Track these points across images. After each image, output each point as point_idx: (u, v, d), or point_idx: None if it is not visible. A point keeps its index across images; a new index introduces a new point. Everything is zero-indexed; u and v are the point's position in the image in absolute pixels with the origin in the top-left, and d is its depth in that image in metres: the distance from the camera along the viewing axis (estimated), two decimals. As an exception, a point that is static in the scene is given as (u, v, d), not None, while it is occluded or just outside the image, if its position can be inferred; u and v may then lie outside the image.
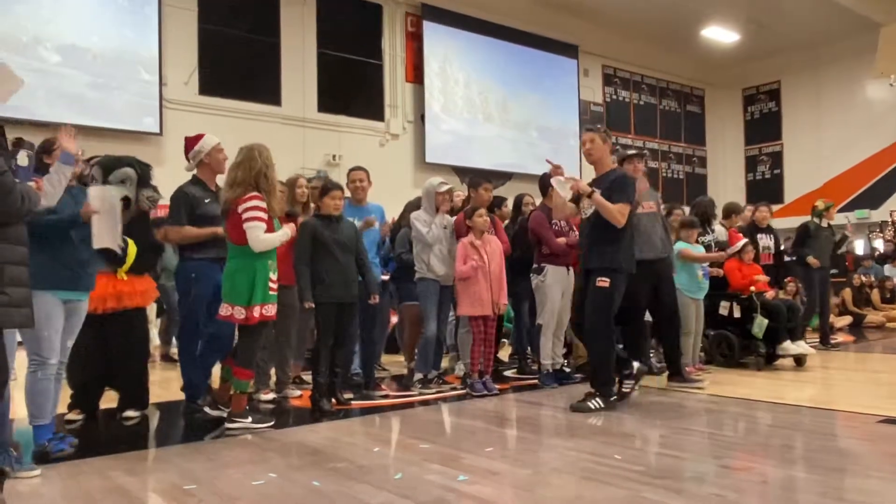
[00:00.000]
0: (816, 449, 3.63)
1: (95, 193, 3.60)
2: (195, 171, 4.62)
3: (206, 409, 4.46)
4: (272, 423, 4.26)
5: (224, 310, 4.10)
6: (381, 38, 12.26)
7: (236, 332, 4.36)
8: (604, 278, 4.52)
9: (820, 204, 8.20)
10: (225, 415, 4.30)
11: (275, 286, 4.25)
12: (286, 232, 4.29)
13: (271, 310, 4.21)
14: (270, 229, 4.16)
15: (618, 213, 4.48)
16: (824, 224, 8.08)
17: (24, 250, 2.39)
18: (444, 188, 5.57)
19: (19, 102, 7.95)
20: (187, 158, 4.64)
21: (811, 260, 7.77)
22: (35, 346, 3.43)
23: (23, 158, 2.74)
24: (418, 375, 5.51)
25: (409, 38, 12.54)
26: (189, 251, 4.48)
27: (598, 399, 4.57)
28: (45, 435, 3.52)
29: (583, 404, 4.58)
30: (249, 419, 4.20)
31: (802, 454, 3.57)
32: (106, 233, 3.60)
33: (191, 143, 4.68)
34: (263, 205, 4.12)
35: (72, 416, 4.38)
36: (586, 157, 4.87)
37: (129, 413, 4.50)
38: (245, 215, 4.09)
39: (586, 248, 4.72)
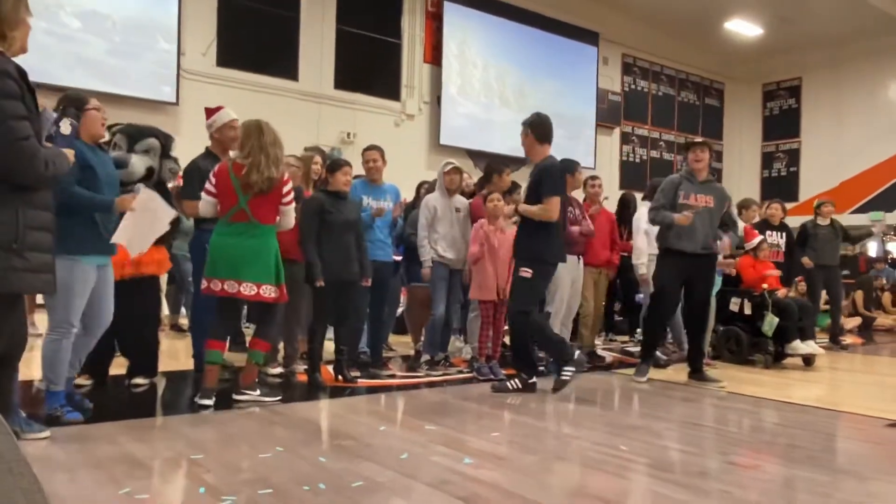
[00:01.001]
0: (822, 449, 3.63)
1: (145, 197, 3.52)
2: (209, 144, 4.64)
3: (234, 397, 4.30)
4: (280, 397, 4.28)
5: (248, 289, 4.03)
6: (400, 17, 12.17)
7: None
8: (526, 269, 4.72)
9: (816, 202, 8.26)
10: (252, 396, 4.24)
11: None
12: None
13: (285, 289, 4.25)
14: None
15: (543, 211, 4.63)
16: (825, 222, 8.03)
17: (49, 216, 2.38)
18: (449, 167, 5.57)
19: (39, 66, 7.94)
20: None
21: (804, 261, 7.76)
22: (64, 312, 3.41)
23: (66, 127, 2.70)
24: (425, 357, 5.53)
25: (429, 17, 12.45)
26: (205, 222, 4.49)
27: (516, 380, 4.80)
28: (58, 400, 3.54)
29: (503, 384, 4.81)
30: (258, 392, 4.23)
31: (808, 454, 3.56)
32: (130, 233, 3.49)
33: (209, 114, 4.68)
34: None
35: (81, 380, 4.41)
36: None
37: (138, 380, 4.53)
38: (287, 198, 4.14)
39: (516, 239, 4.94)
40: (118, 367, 4.67)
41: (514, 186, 6.48)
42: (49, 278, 2.36)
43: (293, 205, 4.20)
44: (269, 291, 4.07)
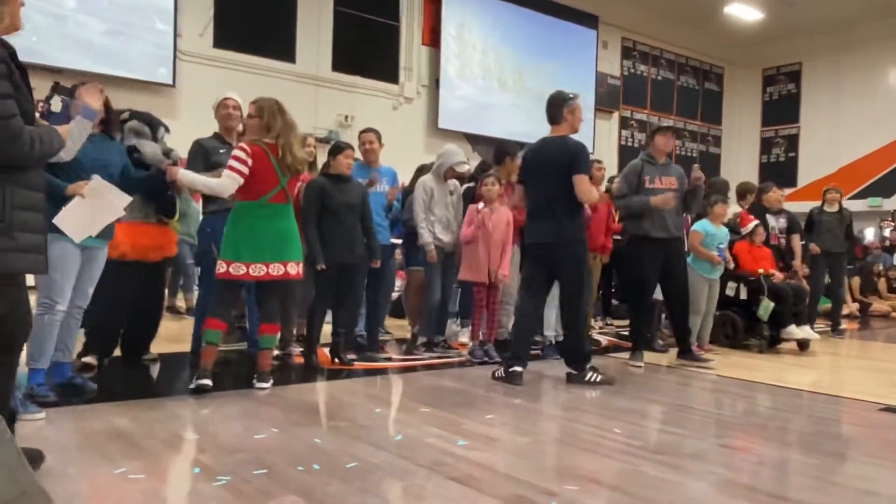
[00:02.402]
0: (815, 433, 3.65)
1: (96, 185, 3.45)
2: (205, 125, 4.70)
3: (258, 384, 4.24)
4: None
5: (293, 268, 4.10)
6: (399, -1, 12.08)
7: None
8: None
9: (824, 188, 8.29)
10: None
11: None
12: None
13: None
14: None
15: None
16: (832, 209, 8.01)
17: (39, 196, 2.36)
18: (463, 168, 5.56)
19: (34, 47, 7.89)
20: None
21: (811, 247, 7.77)
22: (45, 289, 3.45)
23: (56, 104, 2.70)
24: (422, 339, 5.55)
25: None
26: (213, 206, 4.55)
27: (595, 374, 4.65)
28: (36, 378, 3.55)
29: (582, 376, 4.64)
30: (271, 381, 4.19)
31: (801, 437, 3.59)
32: (75, 218, 3.38)
33: None
34: None
35: (90, 359, 4.43)
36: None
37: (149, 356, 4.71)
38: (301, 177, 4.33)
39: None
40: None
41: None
42: (39, 259, 2.34)
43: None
44: (301, 269, 4.19)
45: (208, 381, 3.94)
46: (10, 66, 2.23)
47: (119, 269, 4.10)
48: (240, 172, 3.92)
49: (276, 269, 4.04)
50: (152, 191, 4.28)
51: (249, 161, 3.93)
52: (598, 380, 4.56)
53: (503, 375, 4.58)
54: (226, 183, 3.94)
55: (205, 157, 4.55)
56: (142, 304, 4.53)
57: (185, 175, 3.98)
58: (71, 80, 7.97)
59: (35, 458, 2.50)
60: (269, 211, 4.03)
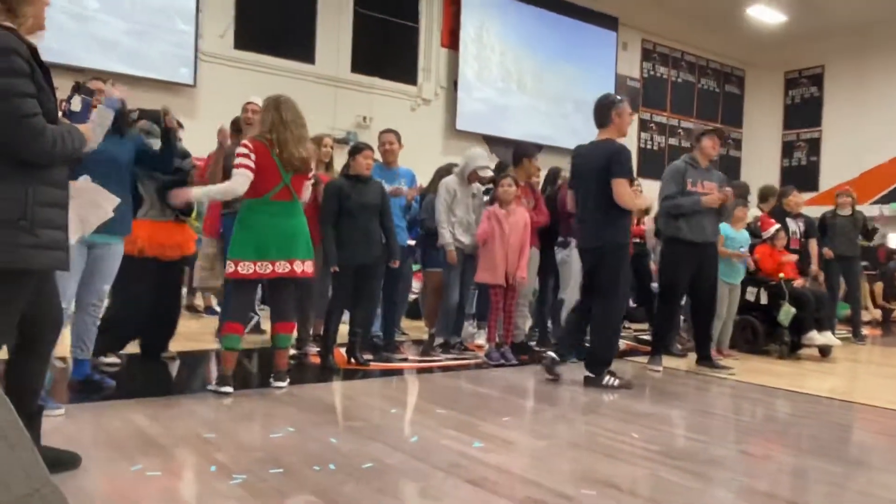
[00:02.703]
0: (835, 440, 3.59)
1: (80, 185, 3.45)
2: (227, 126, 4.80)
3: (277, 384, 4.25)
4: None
5: (299, 266, 4.07)
6: (418, 1, 12.09)
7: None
8: None
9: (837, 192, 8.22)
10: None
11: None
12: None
13: None
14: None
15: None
16: (845, 213, 7.92)
17: (62, 193, 2.38)
18: (486, 173, 5.54)
19: (58, 46, 7.98)
20: None
21: (824, 251, 7.69)
22: None
23: (76, 103, 2.72)
24: (439, 340, 5.54)
25: (446, 1, 12.35)
26: (229, 205, 4.59)
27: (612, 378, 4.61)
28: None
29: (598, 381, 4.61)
30: (288, 381, 4.20)
31: (821, 444, 3.53)
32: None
33: None
34: None
35: (113, 359, 4.47)
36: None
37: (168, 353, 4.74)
38: (311, 173, 4.22)
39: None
40: (132, 346, 4.74)
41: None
42: (61, 255, 2.36)
43: (312, 180, 4.31)
44: (311, 267, 4.16)
45: (229, 388, 3.91)
46: (32, 65, 2.25)
47: (134, 265, 4.13)
48: (247, 167, 3.93)
49: (281, 267, 4.01)
50: (169, 189, 4.32)
51: (252, 155, 3.95)
52: (615, 384, 4.52)
53: (592, 378, 4.60)
54: (238, 181, 3.93)
55: (225, 160, 4.63)
56: (159, 303, 4.57)
57: (197, 193, 4.03)
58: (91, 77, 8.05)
59: (70, 460, 2.52)
60: (274, 209, 4.01)
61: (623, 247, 4.61)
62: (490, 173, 5.63)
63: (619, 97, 4.77)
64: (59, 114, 2.52)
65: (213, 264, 5.14)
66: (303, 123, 4.10)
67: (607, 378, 4.54)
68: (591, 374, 4.61)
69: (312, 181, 4.34)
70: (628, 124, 4.76)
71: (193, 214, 4.78)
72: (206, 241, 5.26)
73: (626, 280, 4.69)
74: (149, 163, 3.98)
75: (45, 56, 2.41)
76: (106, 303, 3.96)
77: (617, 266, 4.56)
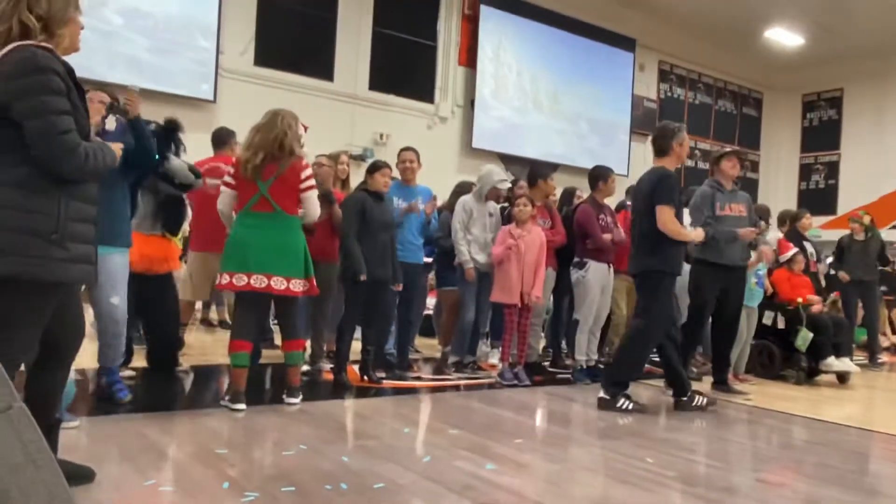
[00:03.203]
0: (853, 469, 3.54)
1: None
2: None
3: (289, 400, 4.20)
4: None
5: (279, 283, 3.92)
6: (437, 20, 12.19)
7: None
8: None
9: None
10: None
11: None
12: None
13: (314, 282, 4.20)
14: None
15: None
16: (860, 237, 7.86)
17: (92, 208, 2.45)
18: (504, 186, 5.56)
19: (82, 62, 8.09)
20: None
21: (840, 275, 7.63)
22: None
23: (110, 122, 2.80)
24: (453, 359, 5.52)
25: (465, 20, 12.43)
26: None
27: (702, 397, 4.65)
28: None
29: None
30: (300, 397, 4.18)
31: (838, 473, 3.48)
32: None
33: None
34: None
35: (128, 372, 4.49)
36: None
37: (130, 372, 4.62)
38: (305, 184, 4.04)
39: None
40: (142, 360, 4.75)
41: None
42: (89, 269, 2.42)
43: (314, 192, 4.10)
44: (298, 285, 4.02)
45: (241, 406, 3.90)
46: (68, 84, 2.32)
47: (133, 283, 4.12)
48: (227, 184, 4.11)
49: (258, 281, 3.88)
50: (166, 205, 4.40)
51: (231, 170, 4.13)
52: (629, 407, 4.48)
53: (607, 400, 4.55)
54: (221, 199, 4.14)
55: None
56: (156, 318, 4.58)
57: None
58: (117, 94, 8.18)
59: (85, 475, 2.53)
60: (251, 220, 3.97)
61: (659, 273, 4.54)
62: (508, 184, 5.66)
63: (678, 125, 4.77)
64: (93, 132, 2.58)
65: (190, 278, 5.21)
66: (270, 127, 4.02)
67: (622, 401, 4.51)
68: (605, 396, 4.57)
69: (312, 191, 4.09)
70: (687, 153, 4.77)
71: (178, 235, 4.75)
72: (192, 256, 5.31)
73: (661, 307, 4.57)
74: (132, 163, 3.64)
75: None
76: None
77: (652, 292, 4.54)
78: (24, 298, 2.27)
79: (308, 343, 5.27)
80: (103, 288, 3.69)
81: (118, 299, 3.77)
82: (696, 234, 4.74)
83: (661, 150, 4.71)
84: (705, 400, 4.65)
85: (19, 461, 1.24)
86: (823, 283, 7.33)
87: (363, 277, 4.62)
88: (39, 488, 1.24)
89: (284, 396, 4.14)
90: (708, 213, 5.24)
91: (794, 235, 7.10)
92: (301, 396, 4.17)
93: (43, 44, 2.32)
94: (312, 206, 4.12)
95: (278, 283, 3.93)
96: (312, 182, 4.11)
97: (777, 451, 3.94)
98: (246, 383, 3.99)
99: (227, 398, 3.97)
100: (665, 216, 4.45)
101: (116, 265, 3.74)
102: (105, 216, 3.35)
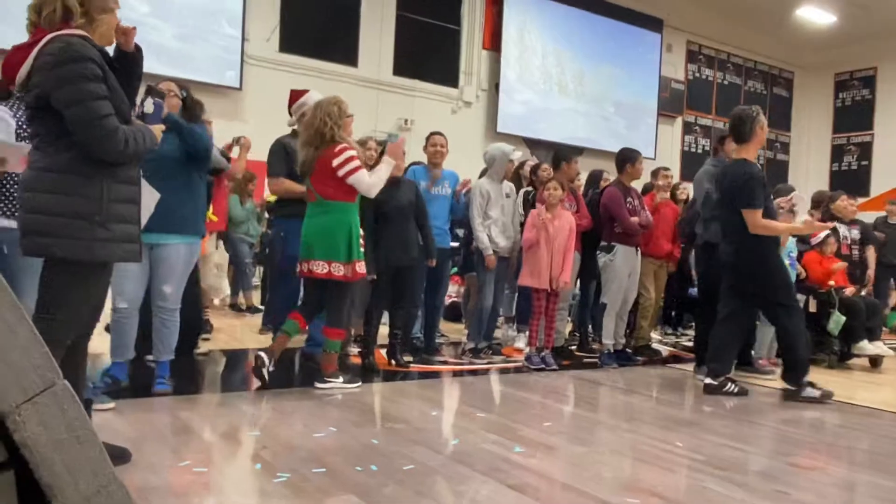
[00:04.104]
0: (887, 454, 3.48)
1: None
2: (296, 126, 4.70)
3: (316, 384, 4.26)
4: (359, 384, 4.27)
5: (320, 267, 4.04)
6: (461, 3, 12.11)
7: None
8: None
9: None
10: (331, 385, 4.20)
11: (363, 242, 4.25)
12: (390, 162, 4.26)
13: (363, 267, 4.21)
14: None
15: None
16: (895, 220, 7.71)
17: (135, 189, 2.54)
18: (517, 155, 5.52)
19: (109, 50, 8.19)
20: (290, 112, 4.74)
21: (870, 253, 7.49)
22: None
23: (148, 105, 2.84)
24: (469, 345, 5.51)
25: (489, 3, 12.34)
26: (282, 208, 4.63)
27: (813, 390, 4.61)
28: (111, 370, 3.73)
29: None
30: (341, 379, 4.23)
31: (871, 458, 3.44)
32: None
33: (296, 96, 4.76)
34: (353, 152, 4.10)
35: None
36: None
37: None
38: (343, 169, 4.02)
39: None
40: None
41: None
42: (133, 248, 2.50)
43: (358, 173, 4.06)
44: (339, 269, 4.07)
45: (265, 372, 4.00)
46: (104, 69, 2.39)
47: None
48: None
49: (319, 267, 4.08)
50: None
51: None
52: (734, 390, 4.59)
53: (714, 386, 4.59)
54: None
55: (289, 159, 4.64)
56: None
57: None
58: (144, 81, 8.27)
59: (120, 455, 2.59)
60: (308, 210, 4.20)
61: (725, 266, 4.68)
62: (519, 154, 5.64)
63: (755, 108, 4.71)
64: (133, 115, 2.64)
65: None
66: (311, 122, 4.10)
67: (728, 385, 4.59)
68: (713, 382, 4.62)
69: (354, 174, 4.07)
70: (766, 135, 4.71)
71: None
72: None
73: (779, 280, 4.65)
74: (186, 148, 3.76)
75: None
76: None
77: (757, 271, 4.56)
78: (71, 279, 2.37)
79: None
80: (159, 277, 3.73)
81: (170, 288, 3.76)
82: (787, 227, 4.69)
83: (741, 136, 4.63)
84: (737, 388, 4.62)
85: (63, 437, 1.27)
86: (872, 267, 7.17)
87: (373, 277, 4.63)
88: (83, 464, 1.28)
89: (316, 381, 4.19)
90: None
91: (828, 218, 6.96)
92: (331, 382, 4.17)
93: (78, 31, 2.38)
94: (362, 187, 4.12)
95: (319, 268, 4.07)
96: (351, 165, 4.03)
97: (809, 435, 3.89)
98: (278, 353, 4.15)
99: (339, 380, 4.18)
100: (753, 219, 4.45)
101: (179, 255, 3.74)
102: (170, 204, 3.33)
